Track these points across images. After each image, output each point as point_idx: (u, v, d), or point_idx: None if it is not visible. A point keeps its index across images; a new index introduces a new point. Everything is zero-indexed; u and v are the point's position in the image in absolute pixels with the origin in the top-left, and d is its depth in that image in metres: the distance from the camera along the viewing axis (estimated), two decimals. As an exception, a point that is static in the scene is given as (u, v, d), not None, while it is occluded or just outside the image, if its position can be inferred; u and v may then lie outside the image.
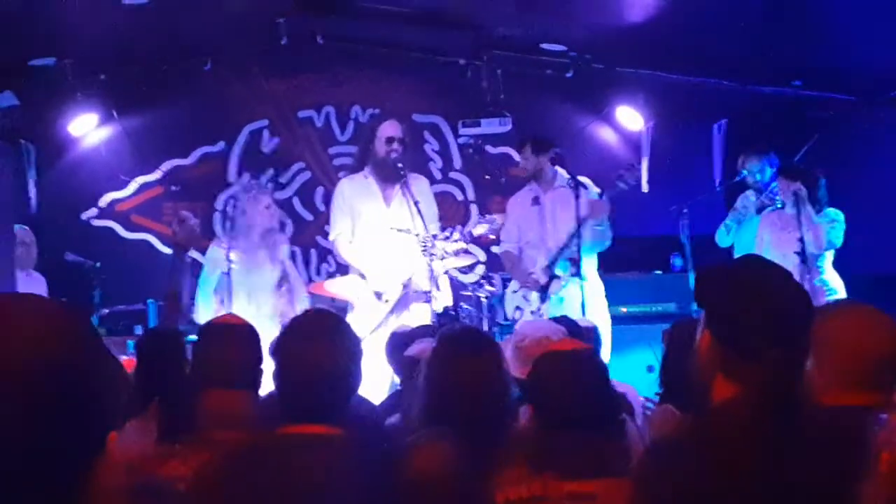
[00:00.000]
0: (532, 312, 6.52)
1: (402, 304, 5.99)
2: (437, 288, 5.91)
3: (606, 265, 6.93)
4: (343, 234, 6.15)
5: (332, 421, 2.42)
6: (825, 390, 2.35)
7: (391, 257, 5.99)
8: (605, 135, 9.20)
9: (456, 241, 5.84)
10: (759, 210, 7.20)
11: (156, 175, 8.98)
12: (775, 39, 7.27)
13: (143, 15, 7.24)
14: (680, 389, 3.39)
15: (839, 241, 6.63)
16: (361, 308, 6.04)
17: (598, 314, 6.23)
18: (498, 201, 8.52)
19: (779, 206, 6.91)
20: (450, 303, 6.15)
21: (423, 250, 5.76)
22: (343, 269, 6.71)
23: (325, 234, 7.27)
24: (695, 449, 1.97)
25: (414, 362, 3.50)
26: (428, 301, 5.77)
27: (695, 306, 2.38)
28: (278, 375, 2.52)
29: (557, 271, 6.49)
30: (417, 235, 5.80)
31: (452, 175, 9.27)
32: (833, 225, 6.61)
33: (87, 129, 8.65)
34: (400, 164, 6.00)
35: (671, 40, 7.55)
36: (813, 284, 6.42)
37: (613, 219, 6.58)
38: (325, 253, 8.80)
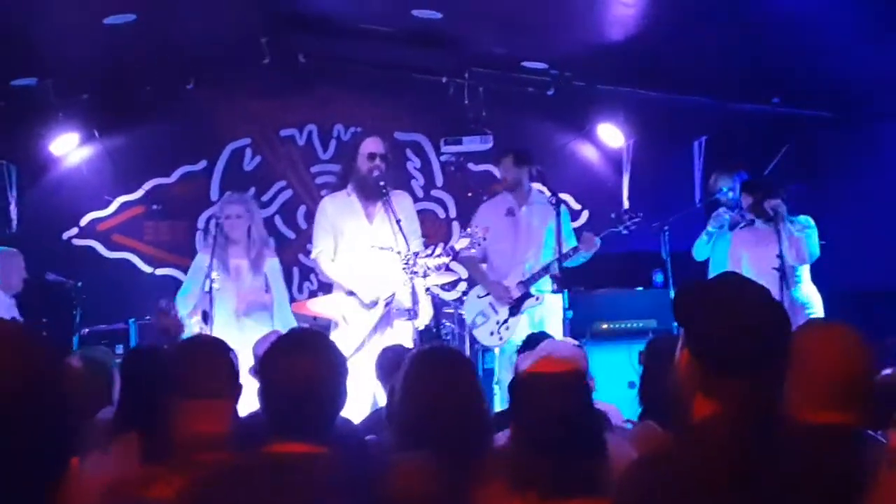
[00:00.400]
0: (497, 323, 6.52)
1: (384, 322, 5.99)
2: (418, 305, 5.91)
3: (588, 281, 6.95)
4: (325, 252, 6.15)
5: (317, 439, 2.42)
6: (799, 408, 2.38)
7: (373, 275, 5.99)
8: (587, 152, 9.25)
9: (438, 255, 5.84)
10: (732, 227, 7.26)
11: (138, 194, 8.96)
12: (754, 57, 7.35)
13: (124, 34, 7.25)
14: (660, 406, 3.42)
15: (817, 249, 6.72)
16: (344, 327, 6.03)
17: (556, 331, 6.18)
18: (480, 219, 8.53)
19: (751, 222, 6.99)
20: (431, 321, 6.16)
21: (405, 268, 5.76)
22: (326, 287, 6.69)
23: (308, 253, 7.27)
24: (675, 467, 1.99)
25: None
26: (411, 318, 5.77)
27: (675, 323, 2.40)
28: (263, 393, 2.52)
29: (534, 290, 6.51)
30: (399, 253, 5.80)
31: (434, 193, 9.30)
32: (807, 232, 6.71)
33: (68, 148, 8.63)
34: (382, 182, 6.00)
35: (652, 58, 7.61)
36: (792, 297, 6.47)
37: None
38: (308, 271, 8.80)
